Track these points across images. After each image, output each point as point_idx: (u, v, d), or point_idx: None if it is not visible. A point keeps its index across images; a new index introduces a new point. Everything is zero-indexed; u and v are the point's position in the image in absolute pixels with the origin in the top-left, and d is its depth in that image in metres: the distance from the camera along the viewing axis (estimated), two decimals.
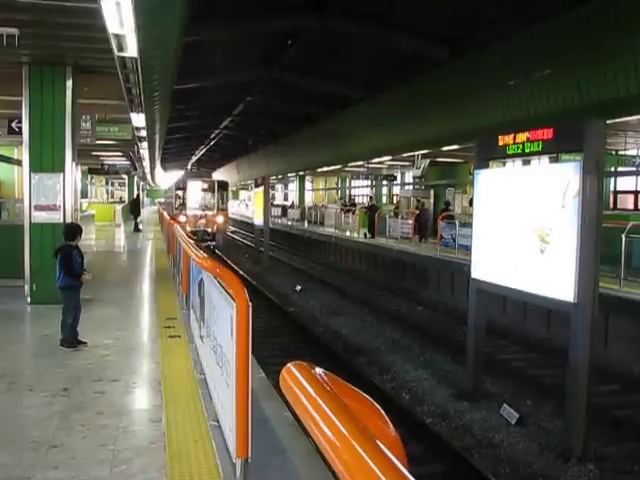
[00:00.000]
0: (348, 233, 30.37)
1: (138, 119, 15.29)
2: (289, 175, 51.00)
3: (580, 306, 7.59)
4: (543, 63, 14.03)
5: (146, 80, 10.39)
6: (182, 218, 30.90)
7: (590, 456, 7.82)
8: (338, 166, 35.33)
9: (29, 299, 10.58)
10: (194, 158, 55.16)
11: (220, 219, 33.03)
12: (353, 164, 34.74)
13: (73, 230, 8.20)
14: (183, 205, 33.53)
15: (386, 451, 1.19)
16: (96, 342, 8.03)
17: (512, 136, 8.94)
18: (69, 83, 10.63)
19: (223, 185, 34.73)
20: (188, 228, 28.54)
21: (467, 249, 14.78)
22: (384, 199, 49.68)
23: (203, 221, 32.50)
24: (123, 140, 18.31)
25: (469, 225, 14.77)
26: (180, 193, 34.18)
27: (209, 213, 32.83)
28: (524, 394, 10.28)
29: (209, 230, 32.49)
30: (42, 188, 10.62)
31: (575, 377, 7.84)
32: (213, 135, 39.67)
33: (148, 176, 51.78)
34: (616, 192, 27.67)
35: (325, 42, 18.73)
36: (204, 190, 33.68)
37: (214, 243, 32.03)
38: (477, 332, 10.08)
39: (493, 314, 12.18)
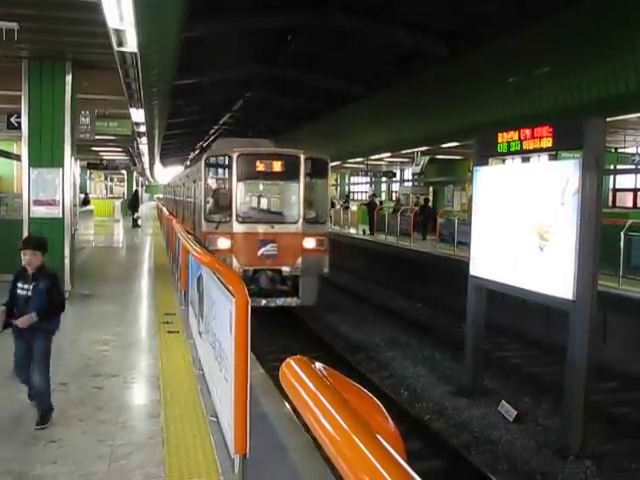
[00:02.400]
0: (346, 229, 30.31)
1: (137, 114, 15.29)
2: None
3: (579, 304, 7.60)
4: (543, 61, 14.03)
5: (145, 75, 10.38)
6: (223, 242, 14.02)
7: (588, 453, 7.83)
8: (337, 162, 35.31)
9: None
10: (193, 154, 55.08)
11: (310, 243, 14.52)
12: (352, 160, 34.69)
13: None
14: (224, 210, 14.52)
15: (386, 445, 1.19)
16: (95, 338, 8.03)
17: (511, 133, 8.94)
18: (68, 78, 10.62)
19: (319, 167, 15.15)
20: (236, 264, 13.72)
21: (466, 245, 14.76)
22: (383, 196, 49.64)
23: (271, 249, 14.24)
24: (122, 135, 18.32)
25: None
26: (212, 183, 15.36)
27: (283, 231, 14.49)
28: (523, 391, 10.29)
29: (286, 270, 14.40)
30: (41, 183, 10.62)
31: (573, 374, 7.85)
32: (213, 131, 39.65)
33: (147, 172, 51.80)
34: (615, 190, 27.67)
35: (325, 38, 18.73)
36: (273, 175, 15.16)
37: (297, 301, 14.59)
38: (476, 329, 10.08)
39: (492, 311, 12.15)
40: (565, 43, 13.30)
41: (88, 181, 44.94)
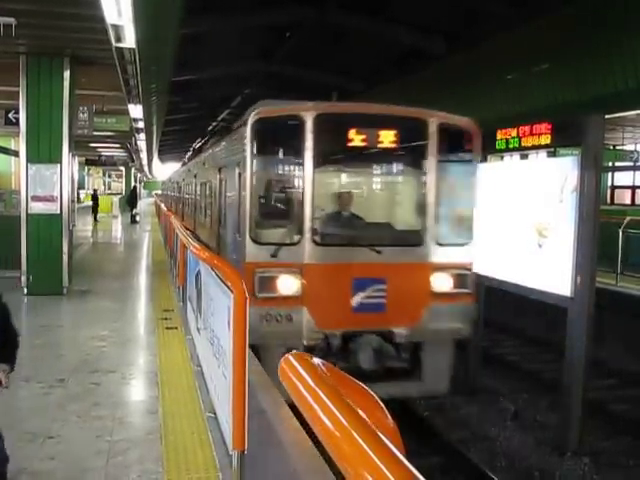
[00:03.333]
0: None
1: (136, 110, 15.27)
2: None
3: (577, 301, 7.60)
4: (541, 58, 14.02)
5: (144, 71, 10.37)
6: (287, 284, 7.55)
7: (585, 450, 7.84)
8: None
9: (25, 290, 10.57)
10: (189, 153, 55.08)
11: (444, 282, 8.17)
12: None
13: None
14: (286, 221, 8.16)
15: (385, 441, 1.19)
16: (92, 334, 8.02)
17: (510, 130, 8.92)
18: (67, 74, 10.59)
19: (460, 142, 8.54)
20: (310, 325, 7.61)
21: None
22: None
23: (376, 295, 7.78)
24: (120, 132, 18.26)
25: None
26: (265, 171, 8.39)
27: (397, 260, 7.93)
28: (521, 388, 10.30)
29: (400, 333, 7.87)
30: (39, 179, 10.60)
31: (572, 371, 7.85)
32: (211, 127, 39.63)
33: (145, 168, 51.77)
34: (613, 187, 27.69)
35: (323, 35, 18.72)
36: (378, 156, 8.67)
37: (419, 387, 8.20)
38: (474, 326, 10.06)
39: (490, 308, 12.18)
40: (564, 40, 13.30)
41: (86, 177, 44.87)
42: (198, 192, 16.08)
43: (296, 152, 7.83)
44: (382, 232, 8.52)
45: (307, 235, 7.66)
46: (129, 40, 7.89)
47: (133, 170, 50.47)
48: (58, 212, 10.63)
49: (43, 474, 4.11)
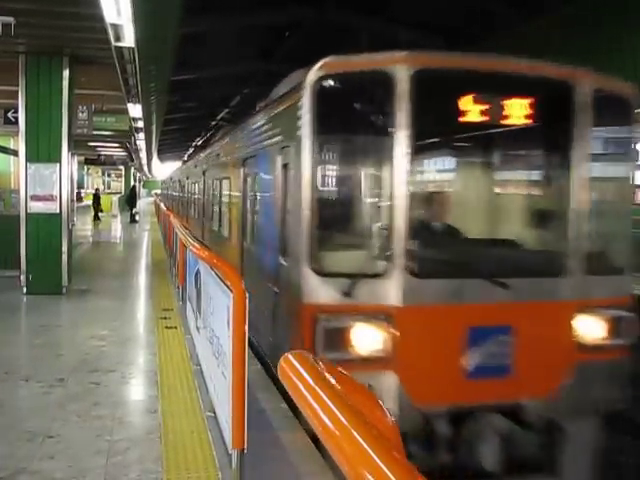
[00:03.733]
0: None
1: (135, 110, 15.27)
2: None
3: None
4: (541, 57, 14.02)
5: (143, 71, 10.37)
6: (368, 340, 4.83)
7: None
8: None
9: (25, 289, 10.56)
10: (190, 150, 55.05)
11: (594, 330, 5.42)
12: None
13: None
14: (363, 240, 5.20)
15: (385, 441, 1.19)
16: (92, 333, 8.02)
17: None
18: (66, 73, 10.58)
19: (619, 119, 5.64)
20: (401, 398, 4.85)
21: None
22: None
23: (498, 353, 5.10)
24: (120, 131, 18.26)
25: None
26: (331, 163, 5.38)
27: (530, 298, 5.18)
28: None
29: (533, 407, 5.17)
30: (38, 178, 10.58)
31: None
32: (210, 126, 39.64)
33: (145, 167, 51.77)
34: None
35: (322, 34, 18.71)
36: (504, 138, 5.66)
37: None
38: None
39: None
40: (563, 39, 13.30)
41: (85, 176, 44.84)
42: (208, 192, 13.25)
43: (381, 131, 5.13)
44: (506, 255, 5.72)
45: (399, 261, 4.93)
46: (128, 39, 7.88)
47: (132, 169, 50.45)
48: (57, 211, 10.62)
49: (43, 473, 4.11)
